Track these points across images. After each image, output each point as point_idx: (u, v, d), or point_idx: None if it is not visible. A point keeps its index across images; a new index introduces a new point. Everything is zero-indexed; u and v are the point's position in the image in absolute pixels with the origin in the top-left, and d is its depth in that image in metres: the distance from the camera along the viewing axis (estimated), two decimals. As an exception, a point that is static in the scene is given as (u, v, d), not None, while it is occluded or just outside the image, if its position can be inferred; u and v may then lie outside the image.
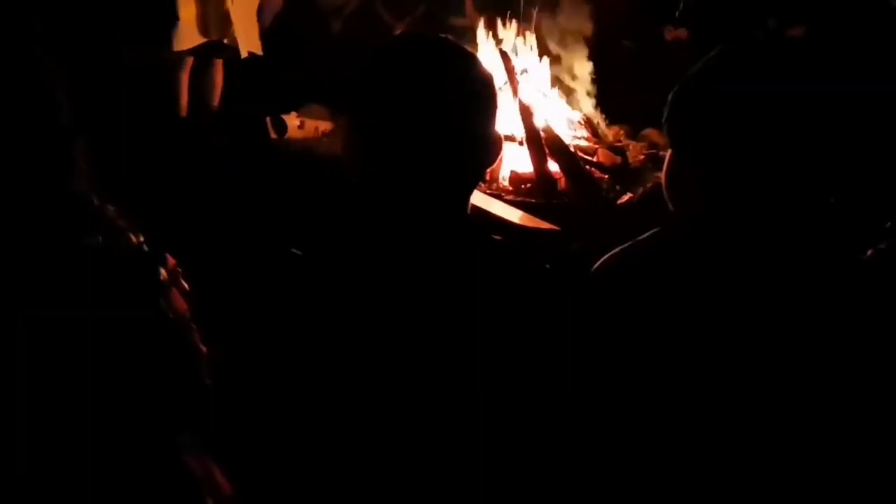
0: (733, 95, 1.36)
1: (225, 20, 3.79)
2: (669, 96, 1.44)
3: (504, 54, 4.15)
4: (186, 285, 1.27)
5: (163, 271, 1.24)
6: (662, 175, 1.49)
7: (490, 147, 1.44)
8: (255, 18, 3.89)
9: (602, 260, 1.47)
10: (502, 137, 1.48)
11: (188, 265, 1.35)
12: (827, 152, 1.36)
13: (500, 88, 4.11)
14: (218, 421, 1.36)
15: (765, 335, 1.34)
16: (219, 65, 3.86)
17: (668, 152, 1.48)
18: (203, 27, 3.83)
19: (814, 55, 1.39)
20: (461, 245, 1.40)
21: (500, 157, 1.50)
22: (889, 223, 1.55)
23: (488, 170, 1.62)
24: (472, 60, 1.44)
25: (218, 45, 3.83)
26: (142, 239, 1.25)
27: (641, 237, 1.47)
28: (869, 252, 1.40)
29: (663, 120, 1.45)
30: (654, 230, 1.47)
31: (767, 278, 1.35)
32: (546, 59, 4.46)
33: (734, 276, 1.36)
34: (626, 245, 1.47)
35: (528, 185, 3.84)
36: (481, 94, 1.43)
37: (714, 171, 1.38)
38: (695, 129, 1.40)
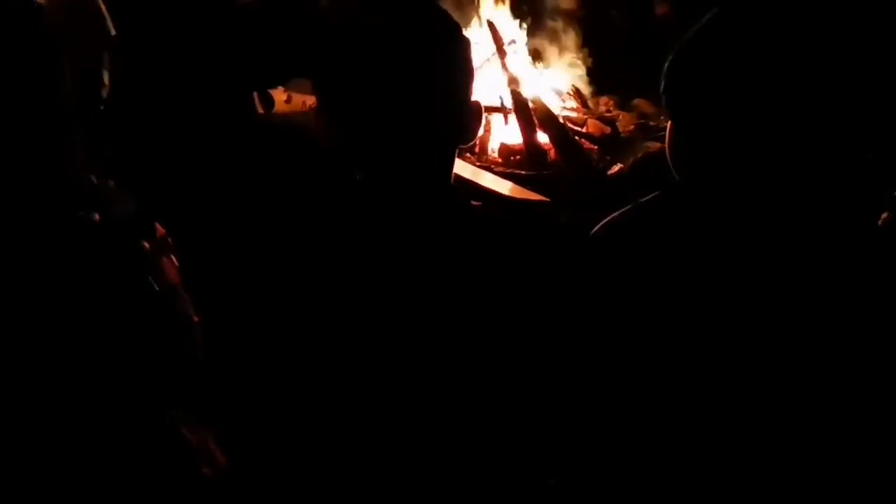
0: (732, 60, 1.31)
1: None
2: (665, 65, 1.39)
3: (492, 25, 4.13)
4: (176, 256, 1.27)
5: (151, 243, 1.24)
6: (666, 145, 1.45)
7: (471, 116, 1.42)
8: None
9: (602, 223, 1.46)
10: (482, 107, 1.46)
11: (182, 235, 1.34)
12: (833, 115, 1.31)
13: (488, 59, 4.09)
14: (213, 392, 1.36)
15: (766, 301, 1.33)
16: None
17: (669, 123, 1.45)
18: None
19: (816, 12, 1.33)
20: (445, 214, 1.39)
21: (480, 129, 1.47)
22: (891, 192, 1.53)
23: (475, 141, 1.60)
24: (455, 30, 1.42)
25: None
26: (135, 211, 1.24)
27: (642, 200, 1.45)
28: (881, 219, 1.38)
29: (661, 90, 1.41)
30: (655, 194, 1.45)
31: (772, 247, 1.33)
32: (535, 30, 4.44)
33: (736, 244, 1.34)
34: (626, 209, 1.45)
35: (518, 156, 3.82)
36: (462, 63, 1.41)
37: (716, 140, 1.34)
38: (693, 98, 1.36)
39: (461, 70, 1.40)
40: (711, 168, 1.36)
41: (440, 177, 1.40)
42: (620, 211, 1.45)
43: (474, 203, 1.44)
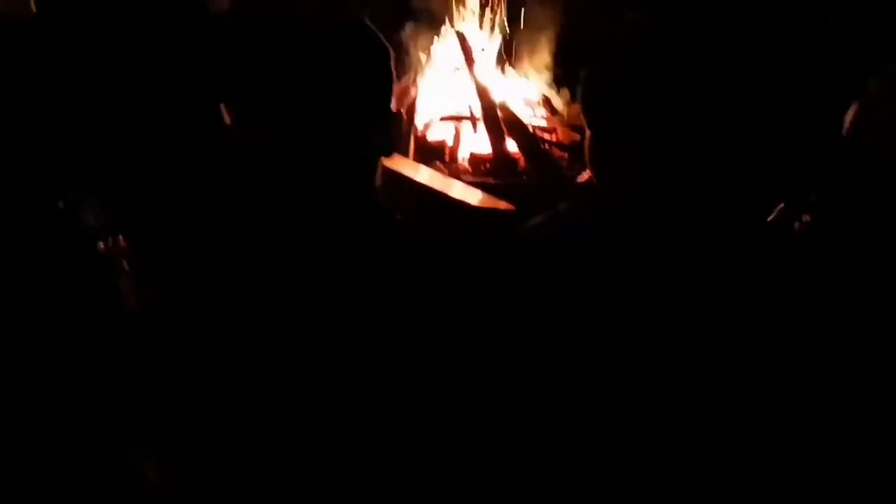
0: (649, 69, 1.32)
1: None
2: (581, 74, 1.39)
3: (461, 35, 4.15)
4: (134, 271, 1.27)
5: (111, 250, 1.24)
6: (585, 153, 1.45)
7: (390, 127, 1.40)
8: None
9: (522, 231, 1.45)
10: (402, 118, 1.45)
11: (146, 245, 1.33)
12: (749, 121, 1.32)
13: (457, 69, 4.11)
14: (169, 418, 1.33)
15: (682, 310, 1.33)
16: None
17: (588, 132, 1.44)
18: None
19: (739, 19, 1.35)
20: (364, 228, 1.37)
21: (399, 139, 1.45)
22: (812, 195, 1.55)
23: (393, 152, 1.55)
24: (372, 40, 1.39)
25: None
26: (104, 219, 1.25)
27: (561, 208, 1.44)
28: (796, 224, 1.41)
29: (578, 99, 1.42)
30: (574, 202, 1.45)
31: (688, 253, 1.33)
32: (505, 39, 4.46)
33: (656, 252, 1.34)
34: (545, 213, 1.44)
35: (487, 164, 3.85)
36: (378, 73, 1.38)
37: (633, 148, 1.35)
38: (611, 107, 1.37)
39: (378, 80, 1.37)
40: (629, 173, 1.36)
41: (358, 187, 1.38)
42: (538, 220, 1.44)
43: (397, 217, 1.41)
